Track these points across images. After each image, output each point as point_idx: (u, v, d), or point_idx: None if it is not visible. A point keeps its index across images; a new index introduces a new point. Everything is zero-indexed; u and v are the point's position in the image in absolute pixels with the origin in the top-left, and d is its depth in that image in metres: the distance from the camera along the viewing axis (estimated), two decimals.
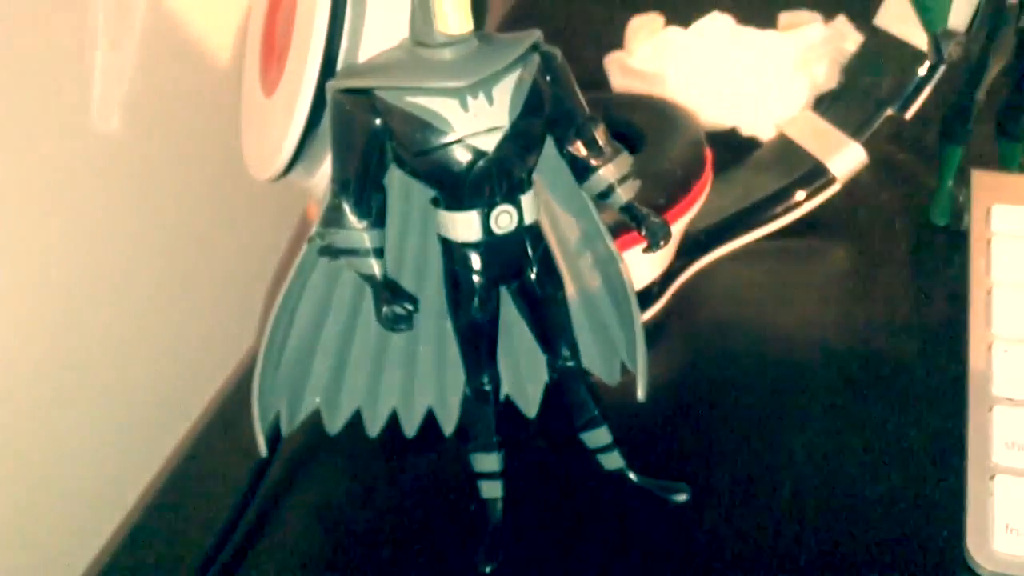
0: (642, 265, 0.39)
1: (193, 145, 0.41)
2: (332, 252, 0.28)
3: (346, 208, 0.28)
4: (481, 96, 0.26)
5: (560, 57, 0.28)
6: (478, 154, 0.27)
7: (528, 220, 0.29)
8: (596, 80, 0.54)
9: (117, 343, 0.39)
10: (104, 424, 0.39)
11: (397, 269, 0.32)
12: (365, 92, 0.27)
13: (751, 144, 0.49)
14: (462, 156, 0.27)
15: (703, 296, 0.42)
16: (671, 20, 0.56)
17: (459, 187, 0.27)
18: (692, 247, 0.43)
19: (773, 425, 0.36)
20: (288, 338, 0.32)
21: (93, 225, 0.36)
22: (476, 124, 0.26)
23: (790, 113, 0.49)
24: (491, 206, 0.28)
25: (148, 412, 0.41)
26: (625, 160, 0.30)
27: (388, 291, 0.28)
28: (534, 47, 0.28)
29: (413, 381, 0.34)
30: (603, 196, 0.30)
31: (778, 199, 0.44)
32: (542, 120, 0.28)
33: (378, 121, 0.27)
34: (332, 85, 0.27)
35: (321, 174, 0.32)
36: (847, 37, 0.50)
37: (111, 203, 0.37)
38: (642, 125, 0.41)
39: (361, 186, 0.28)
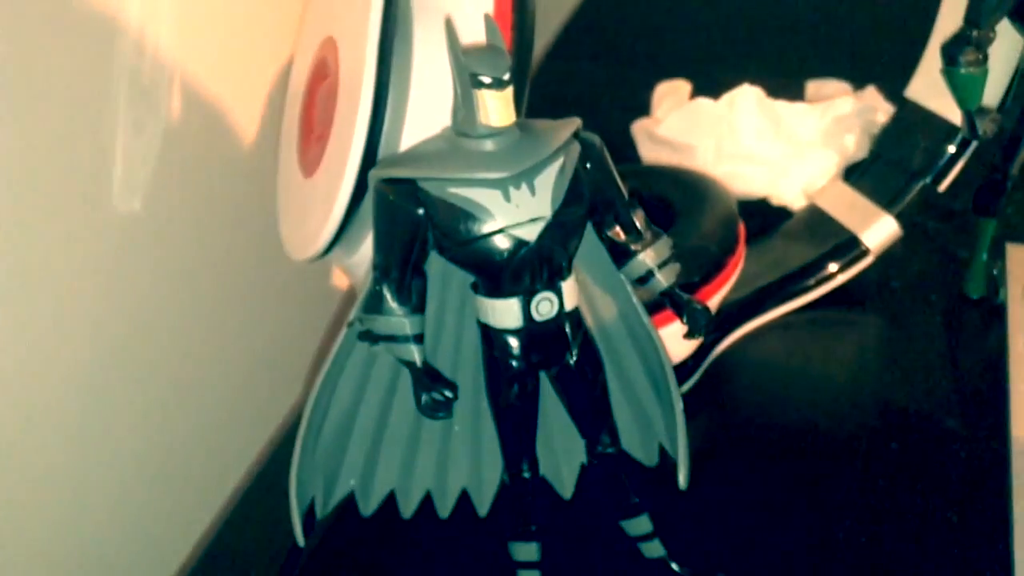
0: (677, 341, 0.38)
1: (215, 225, 0.41)
2: (372, 337, 0.28)
3: (387, 294, 0.28)
4: (523, 187, 0.26)
5: (599, 144, 0.28)
6: (520, 244, 0.27)
7: (568, 306, 0.29)
8: (622, 145, 0.54)
9: (145, 425, 0.38)
10: (140, 502, 0.38)
11: (433, 349, 0.31)
12: (408, 182, 0.27)
13: (782, 213, 0.49)
14: (504, 245, 0.27)
15: (736, 370, 0.42)
16: (697, 84, 0.56)
17: (500, 275, 0.27)
18: (725, 321, 0.42)
19: (812, 508, 0.35)
20: (325, 422, 0.32)
21: (111, 305, 0.36)
22: (518, 215, 0.26)
23: (820, 183, 0.49)
24: (532, 293, 0.28)
25: (180, 494, 0.41)
26: (665, 244, 0.30)
27: (427, 377, 0.28)
28: (574, 135, 0.28)
29: (447, 462, 0.34)
30: (643, 281, 0.30)
31: (811, 271, 0.44)
32: (583, 208, 0.28)
33: (420, 211, 0.27)
34: (375, 174, 0.28)
35: (360, 254, 0.32)
36: (878, 108, 0.50)
37: (132, 284, 0.37)
38: (676, 198, 0.41)
39: (402, 273, 0.28)
